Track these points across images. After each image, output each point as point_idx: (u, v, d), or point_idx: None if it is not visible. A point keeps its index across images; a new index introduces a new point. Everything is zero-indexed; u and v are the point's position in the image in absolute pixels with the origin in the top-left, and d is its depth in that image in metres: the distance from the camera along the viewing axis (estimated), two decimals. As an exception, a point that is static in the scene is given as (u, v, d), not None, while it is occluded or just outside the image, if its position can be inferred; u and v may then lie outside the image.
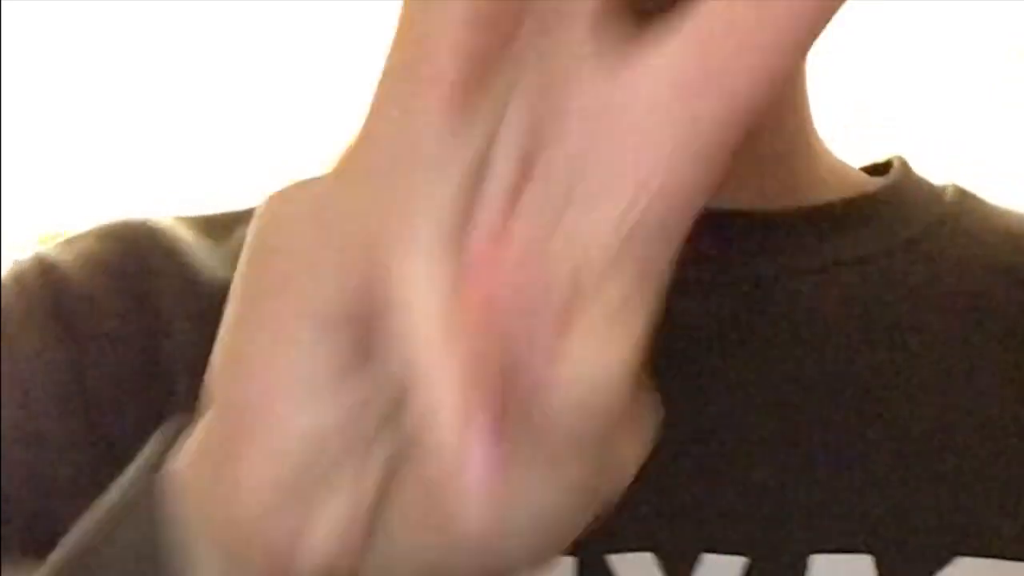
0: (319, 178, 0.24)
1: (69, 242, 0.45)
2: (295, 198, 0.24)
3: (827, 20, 0.21)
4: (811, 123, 0.44)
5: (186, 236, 0.45)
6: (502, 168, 0.22)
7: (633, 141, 0.21)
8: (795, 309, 0.40)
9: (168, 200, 2.97)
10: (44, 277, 0.43)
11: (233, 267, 0.42)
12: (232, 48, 2.27)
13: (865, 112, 2.46)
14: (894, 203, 0.44)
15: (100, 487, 0.39)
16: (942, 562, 0.36)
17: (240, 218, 0.45)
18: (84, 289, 0.43)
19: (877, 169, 0.46)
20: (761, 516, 0.37)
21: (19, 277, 0.43)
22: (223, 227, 0.45)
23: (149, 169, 2.85)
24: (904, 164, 0.46)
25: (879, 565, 0.36)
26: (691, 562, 0.36)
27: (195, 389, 0.39)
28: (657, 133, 0.21)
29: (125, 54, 2.28)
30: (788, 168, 0.43)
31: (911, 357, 0.40)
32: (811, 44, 0.21)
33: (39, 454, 0.40)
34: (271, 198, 0.24)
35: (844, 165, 0.46)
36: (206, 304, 0.41)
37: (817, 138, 0.44)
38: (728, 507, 0.37)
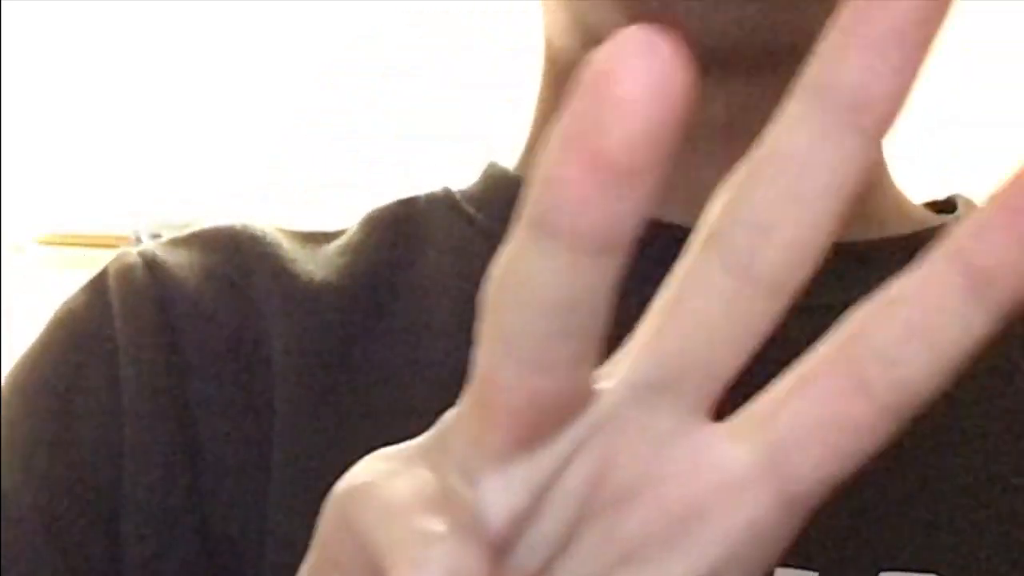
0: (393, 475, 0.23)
1: (173, 244, 0.45)
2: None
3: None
4: (884, 159, 0.45)
5: (284, 242, 0.45)
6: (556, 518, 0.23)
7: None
8: None
9: (168, 201, 2.98)
10: (152, 277, 0.43)
11: (332, 271, 0.43)
12: (232, 49, 2.27)
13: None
14: None
15: (176, 492, 0.39)
16: None
17: (332, 235, 0.47)
18: (192, 295, 0.42)
19: (937, 205, 0.47)
20: (833, 532, 0.37)
21: (126, 273, 0.43)
22: (318, 237, 0.47)
23: (149, 169, 2.85)
24: (969, 202, 0.47)
25: None
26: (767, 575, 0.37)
27: (293, 390, 0.40)
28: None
29: (125, 54, 2.28)
30: (866, 201, 0.43)
31: (976, 392, 0.40)
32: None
33: (119, 457, 0.40)
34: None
35: (909, 200, 0.47)
36: (304, 306, 0.42)
37: (888, 172, 0.45)
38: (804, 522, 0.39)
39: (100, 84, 2.39)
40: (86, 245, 3.35)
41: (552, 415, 0.22)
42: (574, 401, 0.22)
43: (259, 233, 0.45)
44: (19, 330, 3.11)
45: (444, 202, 0.47)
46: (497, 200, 0.46)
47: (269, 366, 0.41)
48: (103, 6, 2.10)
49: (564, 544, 0.23)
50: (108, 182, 2.89)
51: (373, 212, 0.47)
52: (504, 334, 0.21)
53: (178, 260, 0.44)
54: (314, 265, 0.44)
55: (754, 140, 0.39)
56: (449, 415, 0.24)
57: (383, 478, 0.23)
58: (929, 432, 0.39)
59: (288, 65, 2.32)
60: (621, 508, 0.23)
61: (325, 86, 2.36)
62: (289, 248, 0.45)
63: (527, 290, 0.20)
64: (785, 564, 0.37)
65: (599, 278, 0.20)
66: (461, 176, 0.50)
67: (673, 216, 0.40)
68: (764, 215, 0.21)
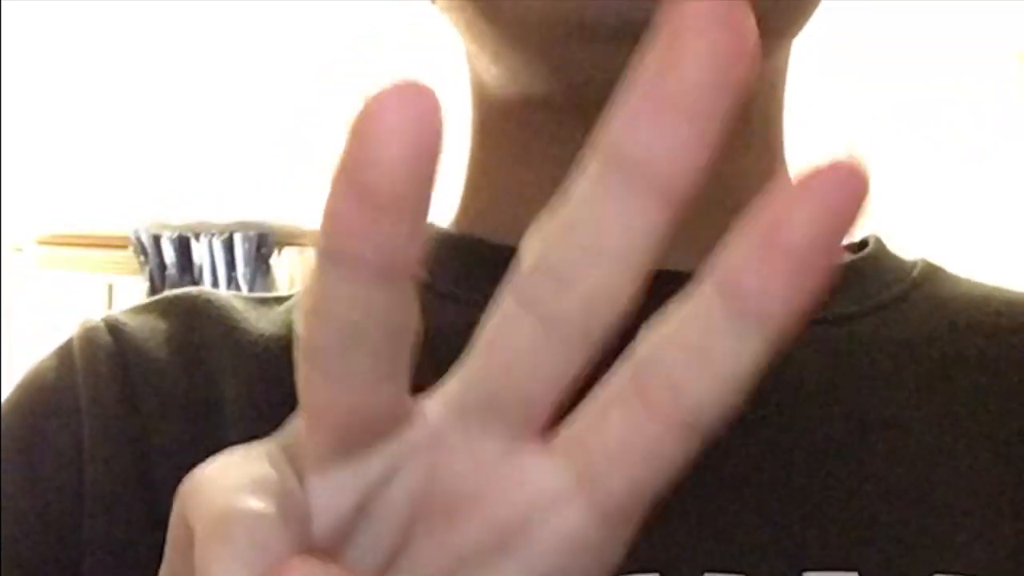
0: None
1: (135, 311, 0.47)
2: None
3: None
4: (781, 162, 0.47)
5: (238, 305, 0.47)
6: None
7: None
8: (784, 362, 0.43)
9: (167, 201, 2.98)
10: (114, 338, 0.45)
11: (280, 326, 0.45)
12: (232, 49, 2.28)
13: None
14: (871, 271, 0.47)
15: (135, 533, 0.40)
16: None
17: (284, 298, 0.49)
18: (150, 355, 0.45)
19: (852, 245, 0.50)
20: (756, 536, 0.39)
21: (90, 335, 0.45)
22: (270, 301, 0.48)
23: (148, 170, 2.86)
24: (879, 240, 0.50)
25: None
26: None
27: (244, 439, 0.41)
28: None
29: (125, 55, 2.28)
30: None
31: (892, 401, 0.43)
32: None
33: (78, 512, 0.42)
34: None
35: None
36: (252, 360, 0.44)
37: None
38: (726, 527, 0.39)
39: (100, 84, 2.39)
40: (86, 245, 3.36)
41: (367, 427, 0.24)
42: (389, 416, 0.24)
43: (213, 298, 0.47)
44: (19, 329, 3.11)
45: None
46: (428, 249, 0.47)
47: (222, 415, 0.43)
48: (103, 6, 2.11)
49: (400, 547, 0.24)
50: (107, 182, 2.90)
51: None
52: (311, 349, 0.23)
53: (138, 324, 0.46)
54: (265, 323, 0.46)
55: None
56: (295, 418, 0.26)
57: (220, 467, 0.25)
58: (846, 431, 0.41)
59: (288, 65, 2.33)
60: (451, 519, 0.24)
61: (325, 86, 2.37)
62: (242, 309, 0.47)
63: (325, 311, 0.22)
64: (713, 570, 0.38)
65: (387, 300, 0.22)
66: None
67: None
68: (564, 269, 0.23)
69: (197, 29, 2.19)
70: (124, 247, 3.11)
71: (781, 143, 0.47)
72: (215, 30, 2.19)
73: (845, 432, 0.42)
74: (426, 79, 0.21)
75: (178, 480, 0.42)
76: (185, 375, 0.44)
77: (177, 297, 0.47)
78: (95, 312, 0.48)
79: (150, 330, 0.46)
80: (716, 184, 0.42)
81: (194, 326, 0.46)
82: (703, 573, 0.38)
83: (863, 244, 0.50)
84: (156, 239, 3.09)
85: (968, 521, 0.40)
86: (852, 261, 0.47)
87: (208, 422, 0.43)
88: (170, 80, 2.37)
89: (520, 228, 0.44)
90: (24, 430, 0.44)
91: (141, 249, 3.09)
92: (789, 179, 0.21)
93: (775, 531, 0.39)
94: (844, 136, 2.46)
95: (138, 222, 3.08)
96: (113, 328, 0.45)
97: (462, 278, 0.45)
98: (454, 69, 0.48)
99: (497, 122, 0.45)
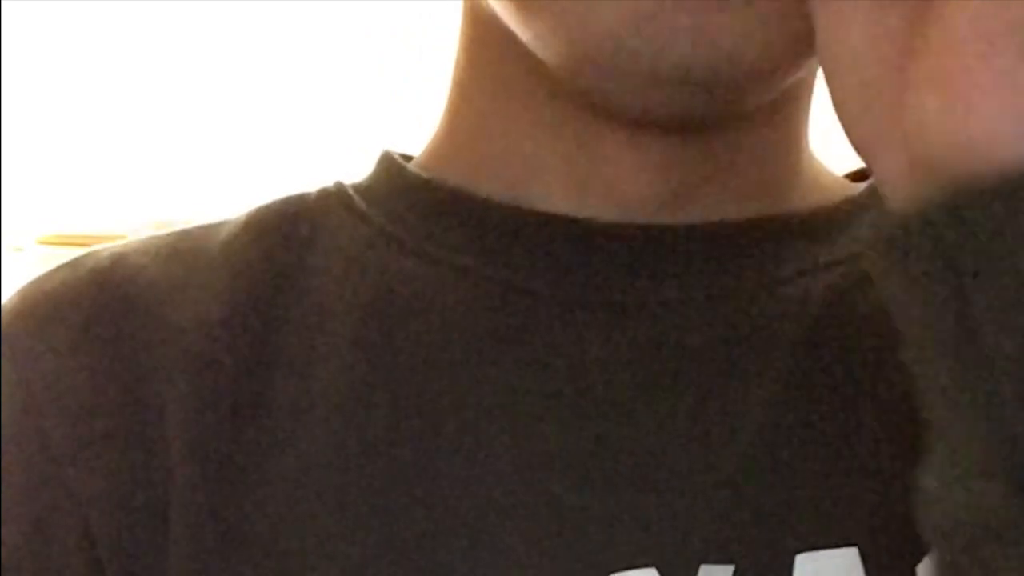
0: None
1: (42, 327, 0.40)
2: None
3: None
4: (802, 132, 0.44)
5: (158, 275, 0.41)
6: None
7: None
8: (777, 317, 0.40)
9: (167, 201, 2.98)
10: (15, 369, 0.39)
11: (211, 295, 0.40)
12: (233, 49, 2.28)
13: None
14: (874, 206, 0.44)
15: None
16: (926, 548, 0.36)
17: (212, 230, 0.44)
18: (60, 380, 0.39)
19: (862, 174, 0.47)
20: (744, 522, 0.37)
21: None
22: (195, 243, 0.43)
23: (149, 170, 2.86)
24: None
25: (864, 556, 0.36)
26: (692, 574, 0.36)
27: (190, 447, 0.37)
28: None
29: (125, 54, 2.28)
30: (787, 179, 0.43)
31: (895, 354, 0.40)
32: None
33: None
34: None
35: (828, 172, 0.46)
36: (190, 353, 0.39)
37: (805, 146, 0.45)
38: (716, 516, 0.37)
39: (100, 84, 2.39)
40: (86, 245, 3.35)
41: None
42: None
43: (128, 276, 0.41)
44: (19, 330, 3.11)
45: (336, 199, 0.44)
46: (397, 199, 0.43)
47: (159, 440, 0.38)
48: (103, 6, 2.11)
49: None
50: (107, 182, 2.89)
51: (259, 211, 0.45)
52: None
53: (41, 343, 0.40)
54: (196, 292, 0.41)
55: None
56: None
57: None
58: (838, 409, 0.39)
59: (288, 66, 2.33)
60: None
61: (324, 86, 2.37)
62: (163, 280, 0.41)
63: None
64: (707, 560, 0.37)
65: None
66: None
67: (588, 211, 0.40)
68: None
69: (196, 29, 2.19)
70: (124, 247, 3.10)
71: (805, 124, 0.44)
72: (214, 30, 2.20)
73: (841, 391, 0.39)
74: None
75: (111, 527, 0.38)
76: (108, 392, 0.39)
77: (80, 295, 0.41)
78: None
79: (55, 347, 0.40)
80: (742, 147, 0.40)
81: (113, 325, 0.40)
82: (700, 565, 0.37)
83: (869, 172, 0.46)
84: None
85: None
86: (854, 196, 0.44)
87: (145, 453, 0.38)
88: (170, 80, 2.37)
89: (495, 175, 0.41)
90: None
91: (141, 249, 3.09)
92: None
93: (763, 516, 0.37)
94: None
95: (138, 222, 3.07)
96: (13, 353, 0.40)
97: (434, 232, 0.41)
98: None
99: (487, 35, 0.41)
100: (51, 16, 2.13)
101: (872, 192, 0.44)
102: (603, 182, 0.41)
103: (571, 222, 0.41)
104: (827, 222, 0.42)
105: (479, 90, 0.42)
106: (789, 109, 0.43)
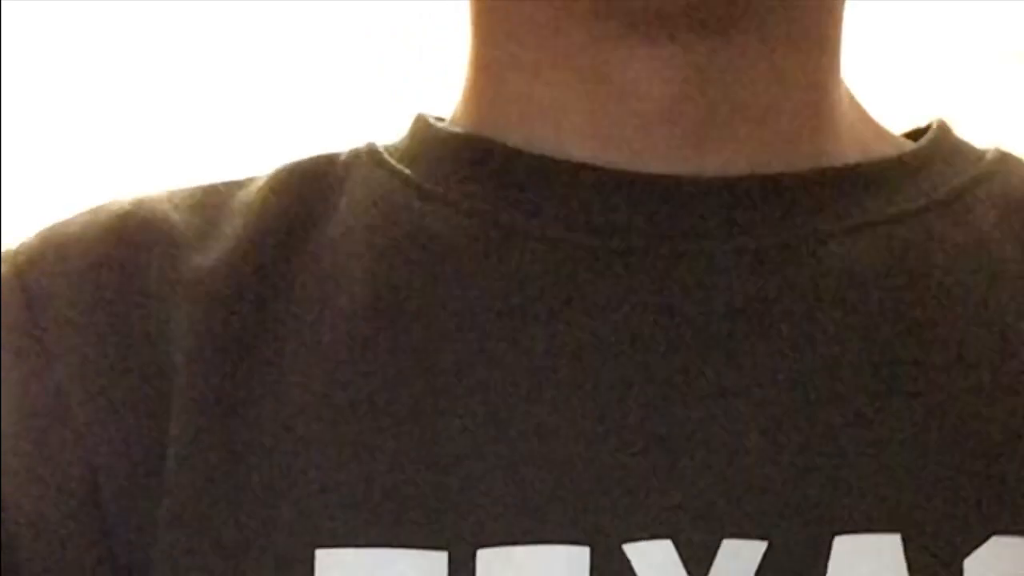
0: None
1: (59, 256, 0.41)
2: None
3: None
4: (842, 83, 0.43)
5: (178, 222, 0.42)
6: None
7: None
8: (823, 275, 0.38)
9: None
10: (24, 295, 0.40)
11: (229, 244, 0.40)
12: (233, 49, 2.27)
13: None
14: (929, 164, 0.42)
15: (71, 513, 0.37)
16: (977, 541, 0.34)
17: (237, 185, 0.44)
18: (70, 305, 0.39)
19: (921, 133, 0.45)
20: (782, 498, 0.35)
21: None
22: (221, 195, 0.44)
23: (149, 170, 2.85)
24: (943, 126, 0.44)
25: (908, 544, 0.34)
26: (712, 549, 0.35)
27: (195, 379, 0.38)
28: None
29: (125, 54, 2.28)
30: (817, 123, 0.41)
31: (946, 322, 0.38)
32: None
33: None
34: None
35: (882, 128, 0.44)
36: (201, 297, 0.39)
37: (852, 99, 0.43)
38: (749, 490, 0.35)
39: (100, 85, 2.38)
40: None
41: None
42: None
43: (152, 223, 0.41)
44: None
45: (367, 157, 0.44)
46: (426, 153, 0.43)
47: (166, 373, 0.38)
48: (103, 6, 2.10)
49: None
50: (107, 182, 2.89)
51: (287, 166, 0.45)
52: None
53: (55, 268, 0.40)
54: (215, 240, 0.41)
55: (706, 103, 0.38)
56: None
57: None
58: (885, 384, 0.37)
59: (288, 66, 2.32)
60: None
61: (324, 86, 2.36)
62: (183, 226, 0.41)
63: None
64: (734, 535, 0.35)
65: None
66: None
67: (606, 159, 0.39)
68: None
69: (196, 30, 2.18)
70: (124, 247, 3.10)
71: (836, 60, 0.42)
72: (214, 30, 2.19)
73: (889, 366, 0.36)
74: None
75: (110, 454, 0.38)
76: (116, 325, 0.39)
77: (110, 224, 0.40)
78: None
79: (68, 276, 0.39)
80: (769, 87, 0.39)
81: (127, 258, 0.40)
82: (722, 540, 0.35)
83: (923, 131, 0.44)
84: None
85: None
86: (906, 152, 0.42)
87: (147, 384, 0.38)
88: (169, 81, 2.37)
89: (519, 122, 0.41)
90: None
91: (141, 249, 3.09)
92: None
93: (801, 492, 0.35)
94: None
95: (138, 222, 3.07)
96: (24, 283, 0.39)
97: (457, 180, 0.41)
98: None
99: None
100: (51, 16, 2.13)
101: (926, 147, 0.42)
102: (622, 113, 0.39)
103: (595, 170, 0.39)
104: (870, 179, 0.40)
105: (496, 30, 0.41)
106: (812, 27, 0.40)
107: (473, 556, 0.34)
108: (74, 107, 2.49)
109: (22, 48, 2.23)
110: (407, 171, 0.42)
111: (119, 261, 0.40)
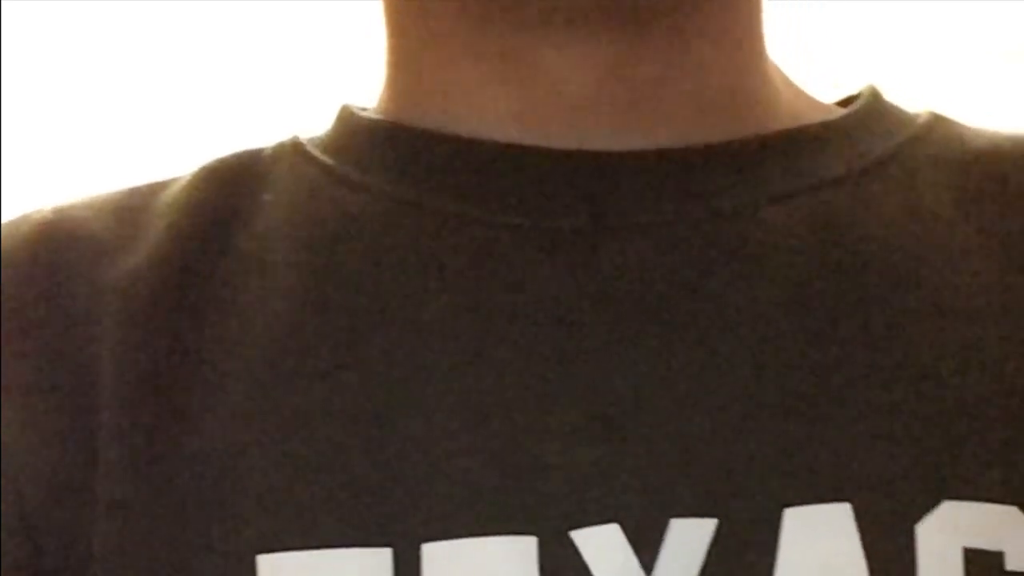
0: None
1: None
2: None
3: None
4: (770, 62, 0.42)
5: (97, 228, 0.40)
6: None
7: None
8: (759, 242, 0.37)
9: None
10: None
11: (153, 244, 0.39)
12: (233, 49, 2.27)
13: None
14: (861, 128, 0.41)
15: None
16: (928, 506, 0.34)
17: (159, 186, 0.43)
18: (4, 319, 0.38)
19: (853, 101, 0.44)
20: (730, 474, 0.34)
21: None
22: (143, 197, 0.43)
23: (149, 170, 2.85)
24: (874, 91, 0.44)
25: (859, 513, 0.34)
26: (661, 529, 0.34)
27: (124, 387, 0.36)
28: None
29: (125, 54, 2.28)
30: (744, 99, 0.41)
31: (885, 286, 0.37)
32: None
33: None
34: None
35: (810, 97, 0.44)
36: (123, 300, 0.39)
37: (777, 69, 0.42)
38: (695, 467, 0.35)
39: (100, 85, 2.38)
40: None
41: None
42: None
43: (69, 231, 0.40)
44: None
45: (291, 149, 0.43)
46: (350, 143, 0.42)
47: (94, 386, 0.37)
48: (103, 6, 2.10)
49: None
50: (106, 182, 2.89)
51: (211, 163, 0.44)
52: None
53: None
54: (137, 244, 0.40)
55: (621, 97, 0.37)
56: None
57: None
58: (828, 350, 0.36)
59: (288, 66, 2.32)
60: None
61: (324, 86, 2.36)
62: (104, 234, 0.40)
63: None
64: (680, 515, 0.34)
65: None
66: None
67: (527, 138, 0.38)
68: None
69: (196, 30, 2.18)
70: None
71: (758, 31, 0.41)
72: (214, 31, 2.19)
73: (831, 332, 0.36)
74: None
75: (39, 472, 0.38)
76: (44, 338, 0.38)
77: (28, 237, 0.39)
78: None
79: None
80: (686, 50, 0.38)
81: (48, 271, 0.39)
82: (669, 520, 0.34)
83: (854, 98, 0.43)
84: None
85: (981, 436, 0.34)
86: (837, 118, 0.41)
87: (77, 398, 0.37)
88: (168, 81, 2.37)
89: (438, 107, 0.40)
90: None
91: (141, 249, 3.09)
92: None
93: (748, 467, 0.34)
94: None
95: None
96: None
97: (377, 167, 0.40)
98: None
99: None
100: (51, 16, 2.13)
101: (858, 112, 0.41)
102: (545, 97, 0.38)
103: (521, 149, 0.39)
104: (803, 144, 0.40)
105: (409, 23, 0.41)
106: (729, 22, 0.40)
107: (418, 551, 0.34)
108: (74, 107, 2.49)
109: (22, 48, 2.23)
110: (331, 162, 0.42)
111: (40, 276, 0.40)
